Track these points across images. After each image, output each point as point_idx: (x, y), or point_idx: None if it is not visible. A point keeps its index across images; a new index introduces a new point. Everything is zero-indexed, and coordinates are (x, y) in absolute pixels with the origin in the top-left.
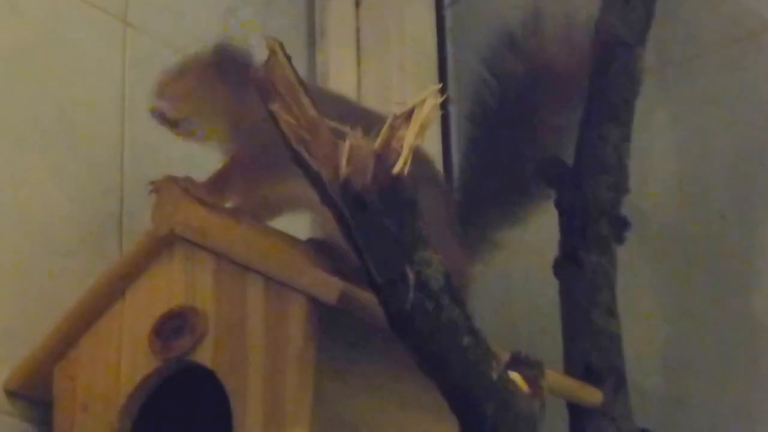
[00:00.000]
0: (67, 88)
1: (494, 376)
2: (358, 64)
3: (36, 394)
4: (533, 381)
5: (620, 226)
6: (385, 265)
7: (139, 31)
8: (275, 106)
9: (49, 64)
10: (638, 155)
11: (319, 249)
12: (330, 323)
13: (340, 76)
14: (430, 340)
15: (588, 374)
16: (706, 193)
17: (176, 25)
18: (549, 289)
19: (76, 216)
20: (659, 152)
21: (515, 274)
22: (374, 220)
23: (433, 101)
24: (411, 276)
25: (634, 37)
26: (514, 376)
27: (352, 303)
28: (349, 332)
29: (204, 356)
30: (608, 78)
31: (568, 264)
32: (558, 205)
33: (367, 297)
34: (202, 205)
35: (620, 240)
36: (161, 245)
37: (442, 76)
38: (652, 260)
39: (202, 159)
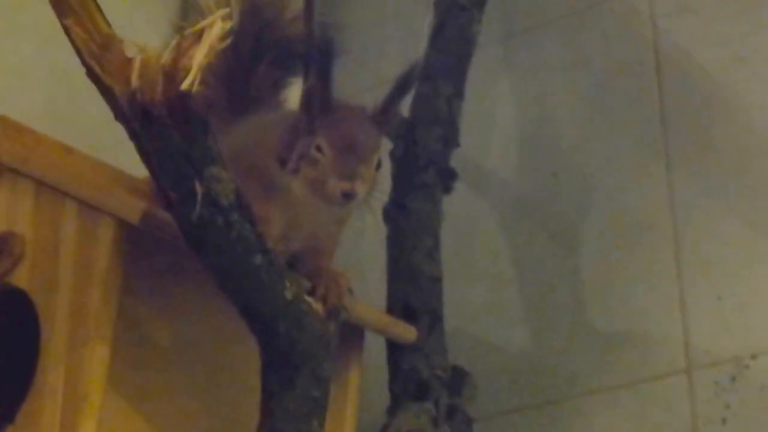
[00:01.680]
0: None
1: (288, 296)
2: None
3: None
4: (331, 304)
5: (448, 176)
6: (175, 179)
7: None
8: (69, 21)
9: None
10: (482, 119)
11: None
12: (139, 246)
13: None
14: (222, 256)
15: (406, 313)
16: (542, 154)
17: None
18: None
19: None
20: (501, 116)
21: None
22: (162, 134)
23: (222, 24)
24: (199, 191)
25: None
26: (311, 299)
27: (155, 224)
28: (159, 256)
29: (20, 278)
30: (444, 37)
31: (395, 210)
32: (392, 155)
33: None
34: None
35: (448, 190)
36: None
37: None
38: (491, 214)
39: (61, 104)
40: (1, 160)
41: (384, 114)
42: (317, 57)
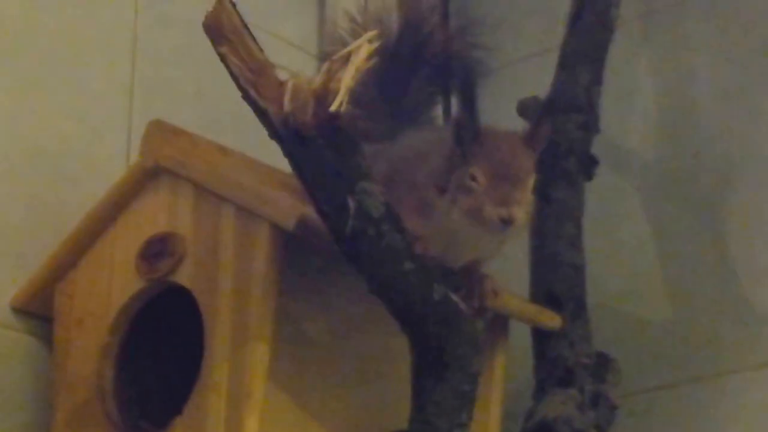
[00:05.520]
0: (80, 30)
1: (436, 297)
2: None
3: (39, 311)
4: (475, 304)
5: (589, 163)
6: (328, 194)
7: None
8: (224, 50)
9: (63, 4)
10: (621, 98)
11: None
12: (295, 249)
13: None
14: (374, 264)
15: (550, 301)
16: (682, 134)
17: None
18: None
19: (87, 150)
20: (641, 95)
21: None
22: (314, 153)
23: (369, 46)
24: (352, 205)
25: None
26: (457, 298)
27: (309, 230)
28: (313, 258)
29: (183, 277)
30: (582, 24)
31: (536, 198)
32: None
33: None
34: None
35: (589, 177)
36: (149, 176)
37: None
38: (631, 193)
39: (212, 96)
40: (160, 164)
41: (535, 135)
42: (460, 86)
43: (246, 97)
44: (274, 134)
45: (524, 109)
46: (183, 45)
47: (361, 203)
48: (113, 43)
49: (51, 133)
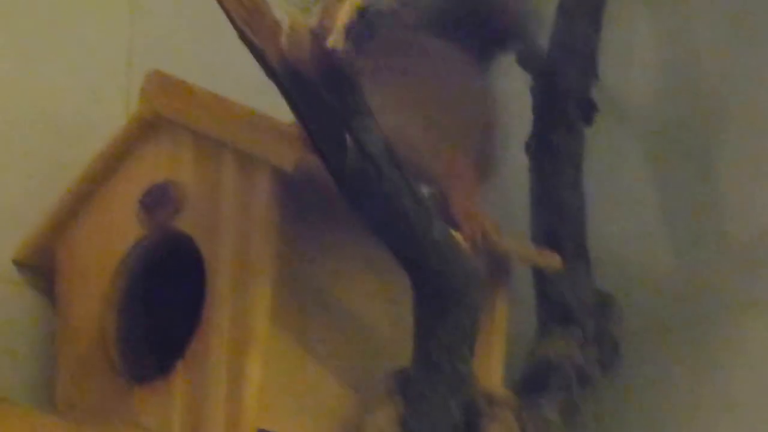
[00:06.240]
0: None
1: (436, 235)
2: None
3: (41, 265)
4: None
5: (588, 108)
6: (326, 133)
7: None
8: None
9: None
10: (621, 47)
11: None
12: (294, 192)
13: None
14: (374, 202)
15: (551, 242)
16: (683, 82)
17: None
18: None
19: (85, 110)
20: (641, 46)
21: None
22: (312, 92)
23: None
24: (350, 143)
25: None
26: (458, 235)
27: (308, 172)
28: (314, 201)
29: (183, 223)
30: None
31: (537, 143)
32: (532, 89)
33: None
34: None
35: (589, 121)
36: (148, 125)
37: None
38: (634, 143)
39: (211, 57)
40: (159, 114)
41: None
42: None
43: (242, 37)
44: (271, 74)
45: (525, 59)
46: (182, 2)
47: (360, 141)
48: (111, 6)
49: (49, 93)
